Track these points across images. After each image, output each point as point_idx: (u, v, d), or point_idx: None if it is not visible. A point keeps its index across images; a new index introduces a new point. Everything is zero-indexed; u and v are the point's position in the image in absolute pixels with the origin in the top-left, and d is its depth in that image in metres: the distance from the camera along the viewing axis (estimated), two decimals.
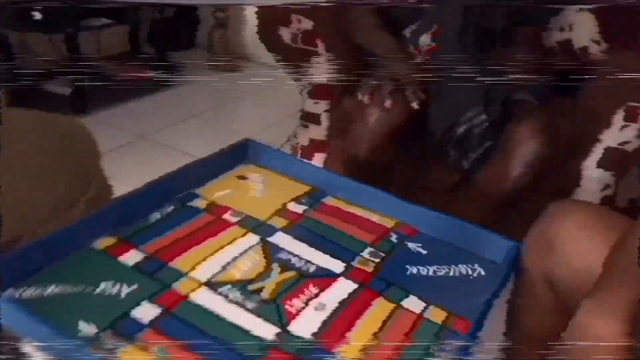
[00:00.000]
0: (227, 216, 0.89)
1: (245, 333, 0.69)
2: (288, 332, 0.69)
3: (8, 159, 0.82)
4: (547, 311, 0.79)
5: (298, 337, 0.69)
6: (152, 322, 0.68)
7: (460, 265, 0.83)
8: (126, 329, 0.67)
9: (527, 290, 0.82)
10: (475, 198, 1.04)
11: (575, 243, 0.71)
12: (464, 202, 1.05)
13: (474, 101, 1.10)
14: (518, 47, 1.08)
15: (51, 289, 0.71)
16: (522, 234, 0.84)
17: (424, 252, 0.86)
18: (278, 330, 0.69)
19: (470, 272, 0.83)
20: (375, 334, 0.70)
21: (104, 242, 0.80)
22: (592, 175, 1.10)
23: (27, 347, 0.66)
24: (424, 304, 0.76)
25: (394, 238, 0.88)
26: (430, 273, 0.82)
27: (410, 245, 0.87)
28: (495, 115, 1.11)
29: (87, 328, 0.66)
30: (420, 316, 0.74)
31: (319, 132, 1.34)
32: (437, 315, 0.74)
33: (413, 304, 0.76)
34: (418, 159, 1.21)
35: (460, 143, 1.14)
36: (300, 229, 0.88)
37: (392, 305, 0.75)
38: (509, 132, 1.02)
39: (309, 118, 1.36)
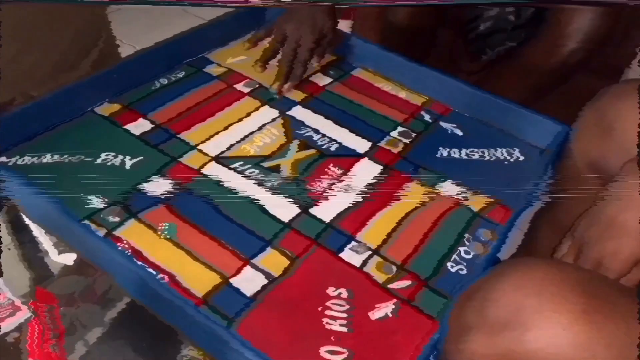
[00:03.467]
0: (240, 86, 0.81)
1: (263, 213, 0.63)
2: (309, 214, 0.64)
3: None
4: (586, 202, 0.72)
5: (320, 220, 0.63)
6: (162, 197, 0.63)
7: (497, 149, 0.76)
8: (134, 204, 0.61)
9: (569, 180, 0.74)
10: (520, 74, 0.93)
11: (637, 128, 0.62)
12: (505, 79, 0.94)
13: None
14: None
15: (49, 157, 0.65)
16: (567, 117, 0.75)
17: (459, 133, 0.78)
18: (300, 211, 0.64)
19: (507, 156, 0.75)
20: (403, 219, 0.64)
21: (107, 108, 0.73)
22: None
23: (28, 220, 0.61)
24: (458, 189, 0.69)
25: (426, 117, 0.80)
26: (463, 156, 0.74)
27: (444, 125, 0.79)
28: (524, 19, 0.97)
29: (90, 201, 0.61)
30: (454, 202, 0.67)
31: None
32: (473, 201, 0.68)
33: (447, 188, 0.69)
34: (455, 34, 1.08)
35: (480, 37, 1.02)
36: (321, 103, 0.80)
37: (423, 189, 0.68)
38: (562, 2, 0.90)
39: None
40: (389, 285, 0.57)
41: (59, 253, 0.60)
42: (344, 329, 0.53)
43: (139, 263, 0.55)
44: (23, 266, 0.64)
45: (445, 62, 1.06)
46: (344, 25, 1.20)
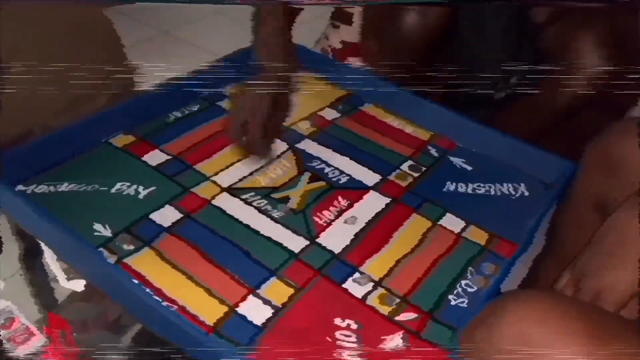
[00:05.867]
0: None
1: (270, 243, 0.64)
2: (315, 244, 0.65)
3: (23, 47, 0.75)
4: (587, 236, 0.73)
5: (325, 250, 0.64)
6: (171, 226, 0.64)
7: (504, 184, 0.77)
8: (143, 233, 0.63)
9: (573, 216, 0.75)
10: (527, 113, 0.95)
11: None
12: (514, 116, 0.96)
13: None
14: None
15: (65, 186, 0.67)
16: (573, 154, 0.76)
17: (467, 167, 0.79)
18: (306, 242, 0.65)
19: (513, 191, 0.76)
20: (408, 253, 0.65)
21: (123, 140, 0.75)
22: None
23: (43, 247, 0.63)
24: (463, 223, 0.70)
25: (433, 151, 0.81)
26: (469, 191, 0.75)
27: (453, 159, 0.80)
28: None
29: (102, 230, 0.62)
30: (459, 236, 0.68)
31: (351, 33, 1.23)
32: (477, 235, 0.68)
33: (451, 222, 0.70)
34: (458, 68, 1.10)
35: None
36: (330, 137, 0.82)
37: (428, 223, 0.69)
38: (571, 42, 0.92)
39: (340, 17, 1.26)
40: (396, 317, 0.58)
41: (69, 279, 0.61)
42: None
43: (148, 291, 0.56)
44: (34, 292, 0.65)
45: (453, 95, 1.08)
46: (355, 61, 1.23)
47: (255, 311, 0.57)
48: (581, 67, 0.90)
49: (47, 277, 0.64)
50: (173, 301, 0.56)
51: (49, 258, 0.62)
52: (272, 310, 0.57)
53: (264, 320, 0.56)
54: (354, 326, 0.56)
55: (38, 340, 0.53)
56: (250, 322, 0.56)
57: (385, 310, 0.58)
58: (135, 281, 0.57)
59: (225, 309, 0.56)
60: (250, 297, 0.58)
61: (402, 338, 0.56)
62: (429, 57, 0.99)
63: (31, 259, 0.67)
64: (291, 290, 0.59)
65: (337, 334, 0.55)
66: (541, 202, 0.72)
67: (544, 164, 0.77)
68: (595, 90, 0.90)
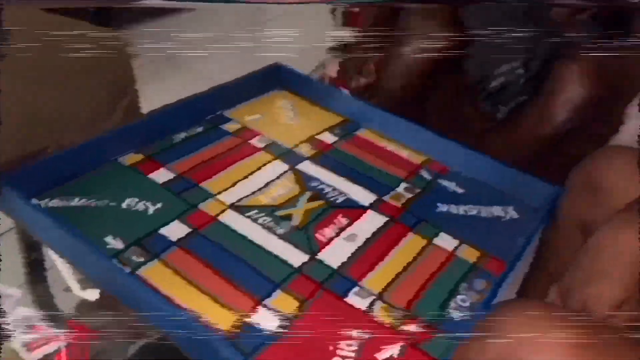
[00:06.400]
0: (254, 141, 0.87)
1: (274, 258, 0.67)
2: (317, 259, 0.68)
3: (35, 66, 0.78)
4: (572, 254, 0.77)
5: (327, 266, 0.67)
6: (179, 240, 0.67)
7: (493, 207, 0.81)
8: (153, 246, 0.66)
9: (559, 236, 0.79)
10: (514, 140, 1.00)
11: (623, 189, 0.67)
12: (502, 143, 1.01)
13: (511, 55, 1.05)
14: None
15: (76, 201, 0.70)
16: (558, 179, 0.81)
17: (458, 190, 0.83)
18: (307, 257, 0.68)
19: (503, 214, 0.80)
20: (404, 269, 0.69)
21: (131, 158, 0.79)
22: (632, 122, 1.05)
23: (54, 257, 0.65)
24: (456, 242, 0.74)
25: (425, 175, 0.86)
26: (461, 212, 0.80)
27: (444, 183, 0.84)
28: (533, 72, 1.05)
29: (113, 242, 0.65)
30: (452, 254, 0.72)
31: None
32: (469, 254, 0.72)
33: (445, 241, 0.74)
34: (454, 98, 1.16)
35: (492, 96, 1.10)
36: (329, 159, 0.86)
37: (423, 241, 0.73)
38: (555, 72, 0.97)
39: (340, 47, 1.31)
40: (395, 329, 0.61)
41: (83, 289, 0.64)
42: None
43: (161, 299, 0.59)
44: (44, 301, 0.67)
45: (447, 123, 1.12)
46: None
47: (261, 321, 0.59)
48: (566, 97, 0.95)
49: (55, 287, 0.67)
50: (182, 309, 0.59)
51: (63, 268, 0.64)
52: (278, 321, 0.60)
53: (270, 330, 0.59)
54: (355, 336, 0.59)
55: (53, 346, 0.55)
56: (257, 331, 0.58)
57: (385, 322, 0.62)
58: (149, 289, 0.60)
59: (232, 318, 0.59)
60: (257, 308, 0.61)
61: (400, 349, 0.59)
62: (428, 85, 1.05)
63: (39, 269, 0.69)
64: (296, 302, 0.62)
65: (340, 344, 0.58)
66: (529, 223, 0.77)
67: (532, 188, 0.82)
68: (579, 119, 0.95)
